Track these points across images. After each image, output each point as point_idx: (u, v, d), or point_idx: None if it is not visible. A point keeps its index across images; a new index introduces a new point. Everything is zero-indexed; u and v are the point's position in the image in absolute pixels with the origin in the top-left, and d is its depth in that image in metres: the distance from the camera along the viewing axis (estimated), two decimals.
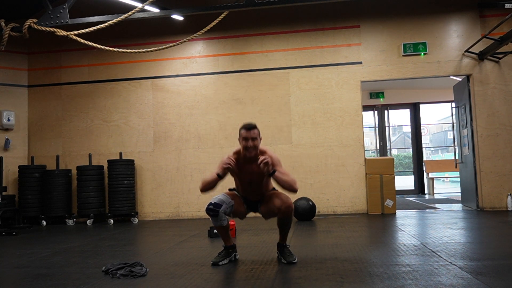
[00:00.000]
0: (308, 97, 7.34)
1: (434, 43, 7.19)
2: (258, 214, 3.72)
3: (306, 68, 7.40)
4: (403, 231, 5.05)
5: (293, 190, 3.36)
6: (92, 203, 7.21)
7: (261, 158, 3.25)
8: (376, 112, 11.45)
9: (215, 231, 5.05)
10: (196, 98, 7.61)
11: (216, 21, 6.06)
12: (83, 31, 5.43)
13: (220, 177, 3.37)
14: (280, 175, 3.33)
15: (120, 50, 6.23)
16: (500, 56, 6.92)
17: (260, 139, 3.48)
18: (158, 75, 7.78)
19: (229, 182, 3.64)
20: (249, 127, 3.41)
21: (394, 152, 20.97)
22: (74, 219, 7.36)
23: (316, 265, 3.33)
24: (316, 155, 7.25)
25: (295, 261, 3.45)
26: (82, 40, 5.58)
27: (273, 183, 3.57)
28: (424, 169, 11.28)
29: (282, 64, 7.46)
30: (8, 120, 7.68)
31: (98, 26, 5.37)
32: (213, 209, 3.41)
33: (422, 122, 11.55)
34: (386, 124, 11.46)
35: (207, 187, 3.42)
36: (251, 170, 3.44)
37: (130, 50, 6.52)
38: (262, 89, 7.45)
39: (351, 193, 7.15)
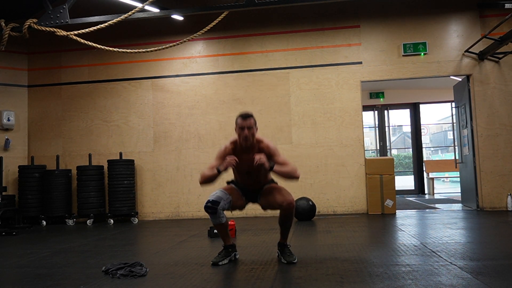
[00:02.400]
0: (308, 97, 7.34)
1: (434, 43, 7.19)
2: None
3: (306, 68, 7.40)
4: (403, 231, 5.05)
5: (295, 178, 3.39)
6: (92, 203, 7.21)
7: (256, 157, 3.24)
8: (376, 112, 11.45)
9: (215, 231, 5.05)
10: (196, 98, 7.61)
11: (216, 21, 6.06)
12: (83, 31, 5.43)
13: (220, 173, 3.37)
14: (279, 168, 3.33)
15: (120, 50, 6.22)
16: (500, 56, 6.92)
17: (257, 128, 3.49)
18: (158, 75, 7.78)
19: (228, 174, 3.64)
20: (245, 116, 3.42)
21: (394, 152, 20.97)
22: (74, 219, 7.36)
23: (316, 265, 3.33)
24: (316, 155, 7.25)
25: (295, 261, 3.45)
26: (82, 40, 5.58)
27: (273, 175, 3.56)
28: (424, 169, 11.28)
29: (282, 64, 7.46)
30: (8, 120, 7.68)
31: (98, 26, 5.37)
32: (211, 207, 3.41)
33: (422, 122, 11.55)
34: (386, 124, 11.46)
35: (207, 181, 3.43)
36: (248, 160, 3.44)
37: (130, 50, 6.52)
38: (262, 89, 7.45)
39: (351, 193, 7.15)
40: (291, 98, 7.38)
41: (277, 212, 3.53)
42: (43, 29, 5.38)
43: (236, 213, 6.43)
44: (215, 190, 3.56)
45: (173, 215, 7.50)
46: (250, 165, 3.43)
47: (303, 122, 7.32)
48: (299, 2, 5.38)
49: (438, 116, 27.93)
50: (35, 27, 5.39)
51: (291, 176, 3.37)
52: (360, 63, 7.30)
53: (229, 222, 3.71)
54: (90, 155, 7.52)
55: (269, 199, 3.49)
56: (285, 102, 7.38)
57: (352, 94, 7.27)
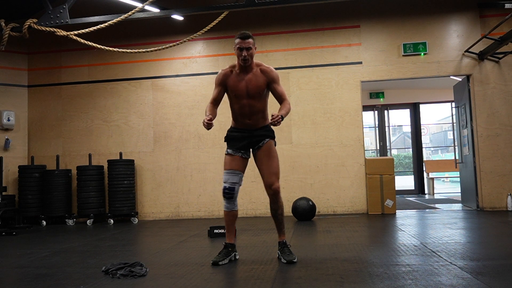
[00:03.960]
0: (308, 97, 7.34)
1: (434, 43, 7.19)
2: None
3: (306, 68, 7.40)
4: (403, 231, 5.05)
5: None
6: (92, 203, 7.21)
7: (274, 117, 3.25)
8: (376, 112, 11.45)
9: (215, 231, 5.06)
10: (196, 98, 7.61)
11: (216, 21, 6.07)
12: (83, 31, 5.44)
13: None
14: (285, 114, 3.41)
15: (120, 50, 6.23)
16: (500, 56, 6.92)
17: (255, 48, 3.52)
18: (158, 75, 7.78)
19: (227, 123, 3.62)
20: (244, 36, 3.45)
21: (394, 152, 20.97)
22: (74, 219, 7.36)
23: (316, 265, 3.33)
24: (316, 155, 7.25)
25: (295, 260, 3.45)
26: (82, 40, 5.58)
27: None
28: (424, 169, 11.28)
29: (282, 64, 7.46)
30: (8, 120, 7.67)
31: (98, 26, 5.38)
32: (229, 192, 3.53)
33: (422, 122, 11.54)
34: (386, 124, 11.46)
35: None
36: (247, 80, 3.50)
37: (130, 50, 6.53)
38: None
39: (351, 193, 7.15)
40: (291, 98, 7.37)
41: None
42: (43, 29, 5.39)
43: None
44: (225, 173, 3.58)
45: (173, 215, 7.50)
46: (249, 87, 3.49)
47: (303, 122, 7.32)
48: (299, 2, 5.39)
49: (438, 116, 27.95)
50: (35, 27, 5.40)
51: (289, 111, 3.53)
52: (360, 63, 7.30)
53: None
54: (90, 155, 7.52)
55: (262, 168, 3.58)
56: None
57: (352, 94, 7.27)
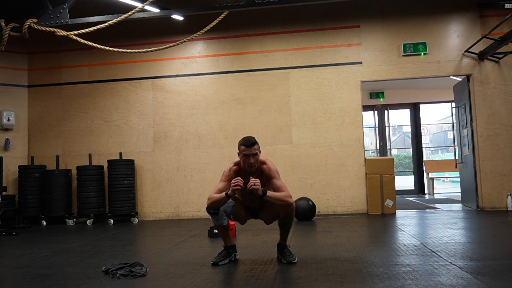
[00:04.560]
0: (308, 97, 7.34)
1: (434, 43, 7.19)
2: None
3: (306, 68, 7.40)
4: (403, 231, 5.05)
5: (287, 204, 3.34)
6: (92, 203, 7.21)
7: (250, 183, 3.18)
8: (376, 112, 11.45)
9: (215, 231, 5.06)
10: (196, 98, 7.61)
11: (216, 21, 6.06)
12: (83, 31, 5.43)
13: (228, 197, 3.31)
14: (271, 195, 3.27)
15: (120, 50, 6.22)
16: (500, 56, 6.92)
17: (260, 151, 3.46)
18: (158, 75, 7.78)
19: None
20: (249, 143, 3.36)
21: (394, 152, 20.97)
22: (74, 219, 7.36)
23: (316, 265, 3.33)
24: (316, 155, 7.25)
25: (295, 261, 3.45)
26: (82, 40, 5.58)
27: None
28: (424, 169, 11.28)
29: (282, 64, 7.46)
30: (8, 120, 7.67)
31: (98, 26, 5.37)
32: (213, 208, 3.41)
33: (422, 122, 11.54)
34: (386, 124, 11.46)
35: (215, 205, 3.38)
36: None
37: (130, 50, 6.52)
38: (262, 89, 7.45)
39: (351, 193, 7.15)
40: (291, 98, 7.38)
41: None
42: (43, 29, 5.39)
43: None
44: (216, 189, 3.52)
45: (173, 215, 7.50)
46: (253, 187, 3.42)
47: (303, 122, 7.32)
48: (299, 2, 5.38)
49: (438, 116, 27.95)
50: (35, 27, 5.39)
51: (283, 202, 3.33)
52: (360, 63, 7.30)
53: (229, 222, 3.71)
54: (90, 155, 7.52)
55: (271, 210, 3.49)
56: (285, 102, 7.38)
57: (352, 94, 7.27)
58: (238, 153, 3.46)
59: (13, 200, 7.38)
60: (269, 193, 3.28)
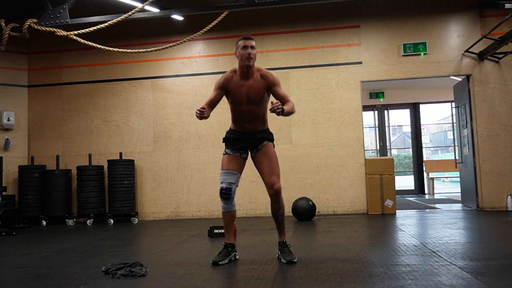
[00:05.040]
0: (308, 97, 7.34)
1: (434, 43, 7.19)
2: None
3: (306, 68, 7.40)
4: (403, 231, 5.05)
5: (294, 112, 3.58)
6: (92, 203, 7.21)
7: (273, 106, 3.22)
8: (376, 112, 11.45)
9: (215, 231, 5.06)
10: (196, 98, 7.60)
11: (216, 21, 6.07)
12: (83, 31, 5.44)
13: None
14: (286, 110, 3.37)
15: (120, 50, 6.23)
16: (500, 56, 6.92)
17: (256, 54, 3.55)
18: (158, 75, 7.78)
19: (226, 123, 3.63)
20: (247, 37, 3.52)
21: (394, 152, 20.97)
22: (74, 219, 7.36)
23: (316, 265, 3.33)
24: (316, 155, 7.25)
25: (295, 260, 3.45)
26: (82, 40, 5.58)
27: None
28: (424, 169, 11.28)
29: (282, 64, 7.46)
30: (8, 120, 7.68)
31: (98, 26, 5.38)
32: (225, 193, 3.51)
33: (422, 122, 11.55)
34: (386, 124, 11.46)
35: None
36: (248, 87, 3.51)
37: (130, 50, 6.52)
38: None
39: (351, 193, 7.15)
40: (291, 98, 7.35)
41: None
42: (43, 29, 5.39)
43: (236, 213, 6.43)
44: (222, 174, 3.57)
45: (173, 215, 7.50)
46: (250, 93, 3.50)
47: (303, 122, 7.32)
48: (299, 2, 5.39)
49: (438, 116, 27.93)
50: (35, 27, 5.40)
51: (293, 112, 3.53)
52: (360, 63, 7.30)
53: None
54: (90, 155, 7.52)
55: (262, 169, 3.57)
56: None
57: (352, 94, 7.27)
58: (235, 51, 3.53)
59: (13, 200, 7.38)
60: (285, 108, 3.36)
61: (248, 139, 3.63)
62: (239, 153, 3.62)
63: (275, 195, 3.53)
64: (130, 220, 7.29)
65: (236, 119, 3.64)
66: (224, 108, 3.91)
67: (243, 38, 3.52)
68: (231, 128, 3.73)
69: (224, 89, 3.59)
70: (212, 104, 3.60)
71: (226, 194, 3.52)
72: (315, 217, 6.73)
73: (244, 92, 3.52)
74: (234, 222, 4.97)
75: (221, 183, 3.55)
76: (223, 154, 3.67)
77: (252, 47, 3.48)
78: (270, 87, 3.56)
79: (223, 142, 3.73)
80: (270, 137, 3.69)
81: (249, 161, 3.73)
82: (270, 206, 3.64)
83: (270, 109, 3.27)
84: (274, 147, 3.71)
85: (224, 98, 3.68)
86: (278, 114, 3.29)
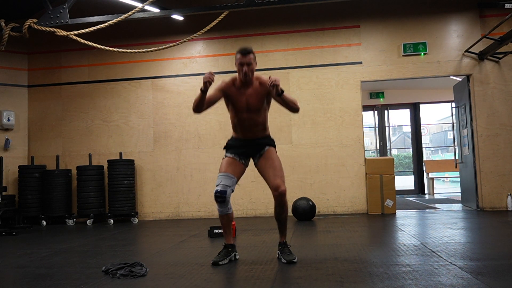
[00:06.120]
0: (308, 97, 7.34)
1: (434, 43, 7.19)
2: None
3: (306, 68, 7.40)
4: (403, 231, 5.05)
5: (297, 109, 3.57)
6: (92, 203, 7.21)
7: (271, 79, 3.26)
8: (376, 112, 11.45)
9: (215, 231, 5.06)
10: None
11: (216, 21, 6.06)
12: (83, 31, 5.43)
13: (203, 92, 3.36)
14: (287, 95, 3.40)
15: (120, 50, 6.22)
16: (500, 56, 6.92)
17: (256, 63, 3.52)
18: (158, 75, 7.78)
19: (226, 129, 3.63)
20: (245, 52, 3.43)
21: (394, 152, 20.95)
22: (74, 219, 7.36)
23: (316, 265, 3.33)
24: (316, 155, 7.25)
25: (295, 260, 3.45)
26: (82, 40, 5.58)
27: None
28: (424, 169, 11.28)
29: (282, 64, 7.46)
30: (8, 120, 7.67)
31: (98, 26, 5.38)
32: (220, 196, 3.46)
33: (422, 122, 11.54)
34: (386, 124, 11.46)
35: (196, 104, 3.47)
36: (247, 95, 3.50)
37: (130, 50, 6.52)
38: None
39: (351, 193, 7.15)
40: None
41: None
42: (43, 29, 5.39)
43: (236, 213, 6.45)
44: (219, 176, 3.54)
45: (173, 215, 7.50)
46: (249, 99, 3.50)
47: (303, 122, 7.32)
48: (299, 2, 5.38)
49: (438, 116, 27.90)
50: (35, 27, 5.39)
51: (294, 106, 3.52)
52: (360, 63, 7.30)
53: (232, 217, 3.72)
54: (90, 155, 7.52)
55: (266, 172, 3.54)
56: None
57: (352, 94, 7.27)
58: (235, 62, 3.51)
59: (13, 200, 7.38)
60: (286, 93, 3.39)
61: (250, 145, 3.63)
62: (239, 158, 3.61)
63: (279, 197, 3.47)
64: (130, 220, 7.29)
65: (237, 127, 3.65)
66: (224, 108, 3.91)
67: (240, 52, 3.44)
68: (233, 136, 3.74)
69: (224, 93, 3.56)
70: (209, 100, 3.52)
71: (221, 198, 3.46)
72: (315, 217, 6.73)
73: (244, 100, 3.51)
74: (234, 222, 4.98)
75: (217, 185, 3.51)
76: (223, 158, 3.67)
77: (249, 64, 3.42)
78: (269, 92, 3.52)
79: (224, 149, 3.72)
80: (271, 143, 3.69)
81: (249, 161, 3.72)
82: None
83: (268, 83, 3.31)
84: (276, 152, 3.68)
85: (225, 107, 3.67)
86: (276, 93, 3.32)
